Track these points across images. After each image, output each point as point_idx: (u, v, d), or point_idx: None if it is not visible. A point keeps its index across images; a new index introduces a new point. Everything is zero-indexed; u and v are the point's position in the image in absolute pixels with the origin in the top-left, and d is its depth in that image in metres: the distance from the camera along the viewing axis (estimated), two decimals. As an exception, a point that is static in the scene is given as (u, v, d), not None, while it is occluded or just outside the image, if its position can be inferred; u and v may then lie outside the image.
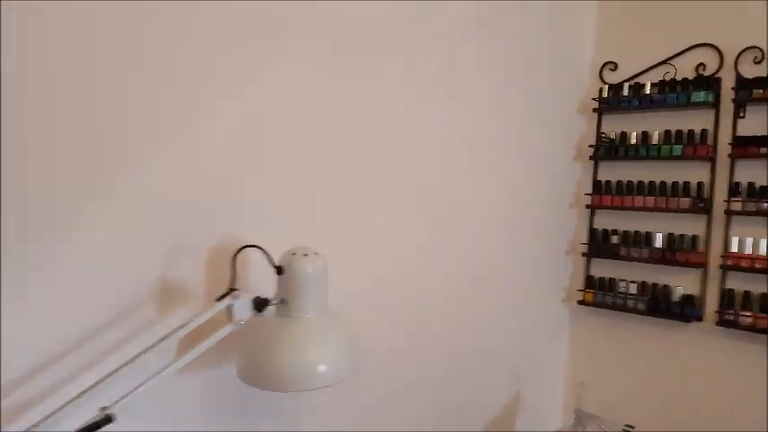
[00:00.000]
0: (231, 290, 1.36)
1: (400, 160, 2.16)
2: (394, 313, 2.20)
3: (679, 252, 2.93)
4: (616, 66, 3.22)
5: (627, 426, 2.59)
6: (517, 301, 2.95)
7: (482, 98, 2.56)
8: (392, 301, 2.19)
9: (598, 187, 3.21)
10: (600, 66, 3.26)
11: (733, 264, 2.78)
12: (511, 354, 2.95)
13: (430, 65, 2.25)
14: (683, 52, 3.00)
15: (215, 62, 1.52)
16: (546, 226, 3.15)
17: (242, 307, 1.36)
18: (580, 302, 3.23)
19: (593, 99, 3.22)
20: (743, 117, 2.84)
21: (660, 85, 3.02)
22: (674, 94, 2.96)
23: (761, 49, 2.77)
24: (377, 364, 2.10)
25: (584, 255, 3.24)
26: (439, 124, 2.33)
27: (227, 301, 1.34)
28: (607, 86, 3.19)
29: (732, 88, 2.82)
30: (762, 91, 2.73)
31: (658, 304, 2.98)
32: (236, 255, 1.40)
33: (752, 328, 2.71)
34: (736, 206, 2.78)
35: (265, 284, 1.45)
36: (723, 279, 2.85)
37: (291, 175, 1.75)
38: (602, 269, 3.22)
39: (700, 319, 2.90)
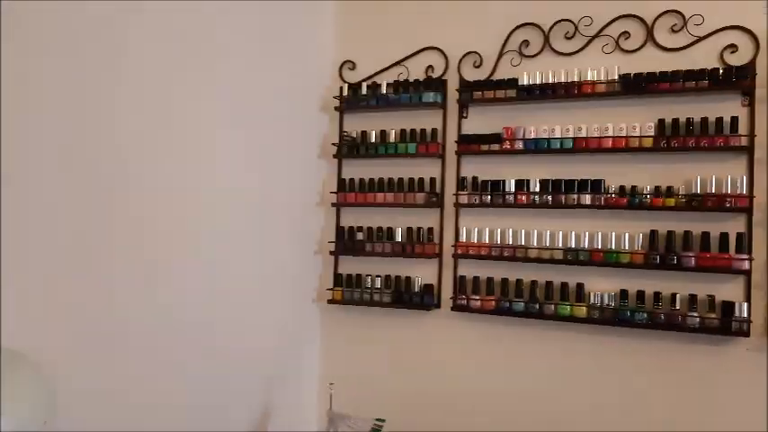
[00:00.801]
0: None
1: (124, 160, 1.81)
2: (125, 334, 1.85)
3: (417, 244, 3.00)
4: (355, 65, 3.19)
5: (377, 420, 2.55)
6: (268, 306, 2.77)
7: (223, 98, 2.34)
8: (124, 317, 1.84)
9: (343, 185, 3.15)
10: (339, 65, 3.21)
11: (463, 252, 2.92)
12: (263, 359, 2.76)
13: (163, 64, 1.94)
14: (414, 54, 3.07)
15: None
16: (294, 226, 3.02)
17: None
18: (330, 301, 3.15)
19: (335, 98, 3.15)
20: (466, 117, 2.98)
21: (395, 86, 3.06)
22: (407, 94, 3.02)
23: (479, 54, 2.93)
24: (98, 394, 1.74)
25: (331, 253, 3.16)
26: (175, 126, 2.03)
27: None
28: (347, 85, 3.14)
29: (456, 90, 2.95)
30: (481, 93, 2.89)
31: (401, 295, 3.02)
32: None
33: (480, 310, 2.87)
34: (463, 199, 2.92)
35: None
36: (456, 267, 2.97)
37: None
38: (350, 266, 3.18)
39: (438, 305, 3.00)
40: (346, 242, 3.13)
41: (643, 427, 2.64)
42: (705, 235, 2.52)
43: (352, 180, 3.14)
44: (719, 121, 2.52)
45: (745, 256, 2.46)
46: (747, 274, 2.48)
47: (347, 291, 3.12)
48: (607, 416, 2.70)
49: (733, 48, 2.54)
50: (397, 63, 3.10)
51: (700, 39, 2.59)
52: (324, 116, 3.20)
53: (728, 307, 2.48)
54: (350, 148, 3.13)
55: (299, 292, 3.11)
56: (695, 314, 2.51)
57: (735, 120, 2.50)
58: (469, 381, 2.97)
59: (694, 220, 2.56)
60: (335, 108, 3.16)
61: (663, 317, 2.56)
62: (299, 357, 3.12)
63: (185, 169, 2.14)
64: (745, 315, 2.45)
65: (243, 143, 2.52)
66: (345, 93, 3.14)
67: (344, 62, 3.21)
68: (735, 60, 2.54)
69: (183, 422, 2.18)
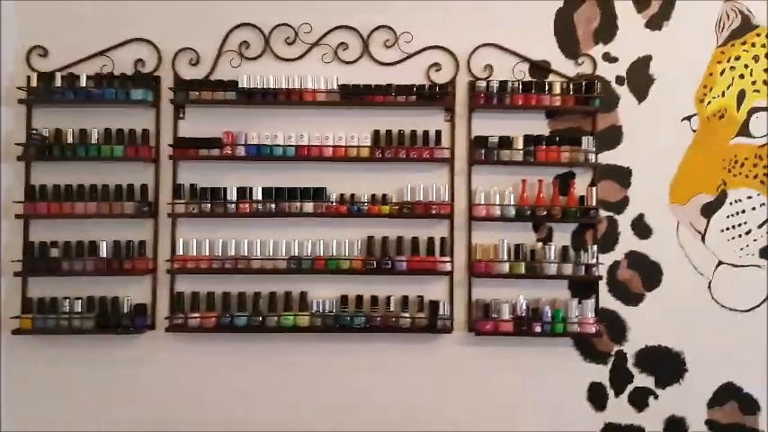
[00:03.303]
0: None
1: None
2: None
3: (127, 260, 2.64)
4: (46, 51, 2.70)
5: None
6: None
7: None
8: None
9: (32, 193, 2.63)
10: (27, 50, 2.68)
11: (180, 267, 2.65)
12: None
13: None
14: (120, 45, 2.71)
15: None
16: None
17: None
18: (16, 332, 2.59)
19: (20, 88, 2.62)
20: (183, 118, 2.73)
21: (97, 79, 2.66)
22: (112, 89, 2.64)
23: (196, 51, 2.71)
24: None
25: (17, 274, 2.61)
26: None
27: None
28: (36, 75, 2.64)
29: (170, 88, 2.67)
30: (198, 93, 2.66)
31: (108, 319, 2.62)
32: None
33: (200, 328, 2.63)
34: (180, 208, 2.65)
35: None
36: (172, 283, 2.69)
37: None
38: (42, 289, 2.66)
39: (152, 327, 2.68)
40: (37, 260, 2.62)
41: (368, 424, 2.70)
42: (415, 240, 2.67)
43: (43, 187, 2.63)
44: (426, 134, 2.68)
45: (448, 259, 2.67)
46: (450, 274, 2.69)
47: (39, 318, 2.60)
48: (335, 417, 2.71)
49: (437, 66, 2.74)
50: (100, 53, 2.69)
51: (409, 55, 2.73)
52: (6, 110, 2.65)
53: (435, 306, 2.65)
54: (40, 148, 2.62)
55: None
56: (407, 315, 2.64)
57: (439, 133, 2.69)
58: (191, 409, 2.70)
59: (406, 225, 2.69)
60: (20, 101, 2.63)
61: (379, 320, 2.64)
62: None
63: None
64: (448, 313, 2.66)
65: None
66: (35, 83, 2.63)
67: (33, 47, 2.69)
68: (439, 78, 2.74)
69: None
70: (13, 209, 2.62)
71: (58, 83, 2.63)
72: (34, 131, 2.65)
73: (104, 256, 2.63)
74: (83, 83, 2.63)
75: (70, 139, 2.64)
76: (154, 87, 2.68)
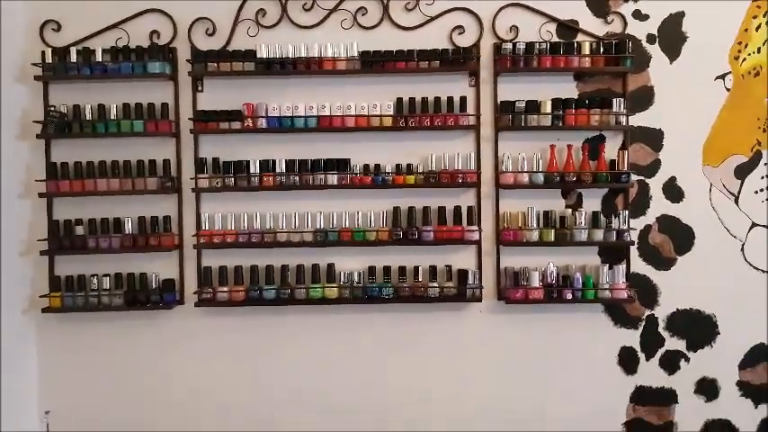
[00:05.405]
0: None
1: None
2: None
3: (152, 236, 2.63)
4: (60, 26, 2.65)
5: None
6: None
7: None
8: None
9: (53, 171, 2.62)
10: (40, 24, 2.64)
11: (207, 242, 2.64)
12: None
13: None
14: (134, 17, 2.65)
15: None
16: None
17: None
18: (46, 310, 2.62)
19: (35, 65, 2.58)
20: (201, 91, 2.69)
21: (113, 52, 2.61)
22: (128, 63, 2.59)
23: (212, 21, 2.65)
24: None
25: (43, 253, 2.62)
26: None
27: None
28: (51, 50, 2.60)
29: (187, 60, 2.62)
30: (216, 65, 2.61)
31: (137, 296, 2.64)
32: None
33: (229, 302, 2.64)
34: (204, 183, 2.64)
35: None
36: (199, 258, 2.70)
37: None
38: (69, 267, 2.67)
39: (181, 302, 2.70)
40: (63, 239, 2.62)
41: (398, 394, 2.73)
42: (441, 209, 2.64)
43: (64, 164, 2.62)
44: (450, 100, 2.62)
45: (475, 228, 2.64)
46: (478, 243, 2.67)
47: (68, 296, 2.62)
48: (365, 388, 2.74)
49: (460, 29, 2.66)
50: (114, 26, 2.64)
51: (431, 19, 2.65)
52: (21, 87, 2.61)
53: (463, 275, 2.64)
54: (59, 126, 2.60)
55: (4, 303, 2.53)
56: (435, 284, 2.63)
57: (463, 99, 2.63)
58: (223, 382, 2.74)
59: (432, 195, 2.65)
60: (36, 77, 2.59)
61: (407, 289, 2.63)
62: (10, 381, 2.54)
63: None
64: (477, 282, 2.65)
65: None
66: (50, 59, 2.59)
67: (46, 22, 2.64)
68: (462, 41, 2.66)
69: None
70: (36, 188, 2.61)
71: (74, 58, 2.58)
72: (52, 108, 2.61)
73: (129, 232, 2.63)
74: (99, 57, 2.58)
75: (89, 116, 2.61)
76: (170, 59, 2.63)
